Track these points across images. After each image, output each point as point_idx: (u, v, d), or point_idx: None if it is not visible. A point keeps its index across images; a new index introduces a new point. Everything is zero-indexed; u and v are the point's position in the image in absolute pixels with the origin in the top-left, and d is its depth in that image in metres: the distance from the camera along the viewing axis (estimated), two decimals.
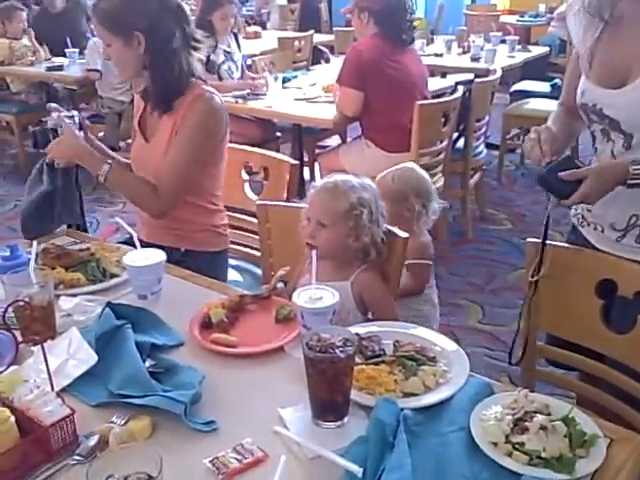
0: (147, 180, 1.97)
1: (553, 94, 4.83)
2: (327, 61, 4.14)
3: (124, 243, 1.91)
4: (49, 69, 4.84)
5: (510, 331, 3.16)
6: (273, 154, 2.31)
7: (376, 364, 1.30)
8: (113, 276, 1.69)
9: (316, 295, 1.39)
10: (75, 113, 2.02)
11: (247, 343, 1.41)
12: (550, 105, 4.11)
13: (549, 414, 1.15)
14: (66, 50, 5.16)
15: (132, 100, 4.49)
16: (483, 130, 3.88)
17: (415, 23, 3.27)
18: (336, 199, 1.64)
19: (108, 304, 1.43)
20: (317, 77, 4.17)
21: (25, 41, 5.71)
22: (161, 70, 2.00)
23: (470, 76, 4.30)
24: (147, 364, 1.33)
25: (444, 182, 3.47)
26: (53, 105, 2.06)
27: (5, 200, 4.78)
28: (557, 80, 5.21)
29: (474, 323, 3.13)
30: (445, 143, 3.38)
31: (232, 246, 2.32)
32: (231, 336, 1.42)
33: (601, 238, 1.63)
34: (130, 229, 1.62)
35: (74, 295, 1.59)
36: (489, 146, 5.32)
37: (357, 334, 1.40)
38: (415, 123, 3.12)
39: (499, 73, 3.84)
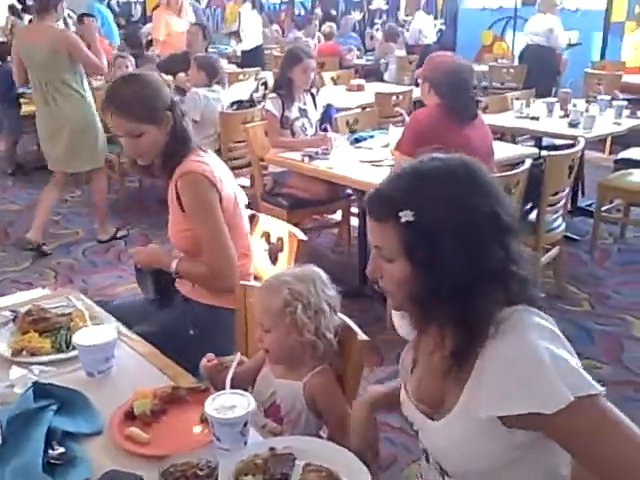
0: (196, 262, 2.09)
1: None
2: (403, 122, 4.04)
3: None
4: None
5: None
6: (290, 227, 2.25)
7: None
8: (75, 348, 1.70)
9: (230, 402, 1.31)
10: None
11: (159, 443, 1.35)
12: None
13: None
14: None
15: (219, 149, 4.64)
16: (561, 203, 3.60)
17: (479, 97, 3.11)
18: (270, 298, 1.57)
19: (35, 384, 1.44)
20: (393, 138, 4.07)
21: None
22: (177, 138, 2.06)
23: (535, 150, 4.04)
24: (56, 451, 1.32)
25: None
26: None
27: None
28: None
29: None
30: None
31: None
32: (146, 433, 1.37)
33: None
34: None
35: (29, 363, 1.61)
36: (584, 212, 4.94)
37: (272, 448, 1.31)
38: None
39: (582, 144, 3.57)
